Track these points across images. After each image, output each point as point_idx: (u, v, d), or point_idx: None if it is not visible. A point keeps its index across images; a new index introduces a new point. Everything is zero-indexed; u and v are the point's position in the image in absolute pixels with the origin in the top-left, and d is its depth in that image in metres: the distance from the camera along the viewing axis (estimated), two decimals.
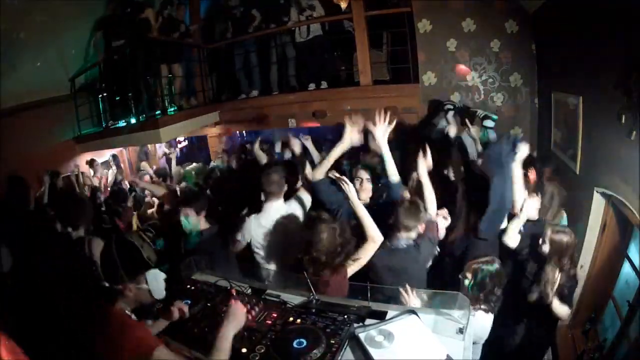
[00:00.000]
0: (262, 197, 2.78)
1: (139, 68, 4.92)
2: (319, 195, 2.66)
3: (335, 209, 2.59)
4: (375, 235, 2.21)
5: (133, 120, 5.12)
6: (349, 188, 2.29)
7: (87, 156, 5.40)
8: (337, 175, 2.36)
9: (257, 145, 4.13)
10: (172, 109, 5.58)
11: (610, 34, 2.51)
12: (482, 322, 2.12)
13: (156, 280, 1.62)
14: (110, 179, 5.46)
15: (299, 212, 2.76)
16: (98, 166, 5.40)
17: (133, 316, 1.60)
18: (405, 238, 2.34)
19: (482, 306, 2.13)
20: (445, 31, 4.65)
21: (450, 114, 4.18)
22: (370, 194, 2.82)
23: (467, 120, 3.79)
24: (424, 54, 4.79)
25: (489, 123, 3.95)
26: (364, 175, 2.82)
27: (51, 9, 4.34)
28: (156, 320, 1.86)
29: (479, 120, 4.04)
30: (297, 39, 5.46)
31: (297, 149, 3.96)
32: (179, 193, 3.95)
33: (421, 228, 2.37)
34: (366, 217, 2.23)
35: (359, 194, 2.75)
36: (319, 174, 2.59)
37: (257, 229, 2.71)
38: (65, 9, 4.60)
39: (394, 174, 2.55)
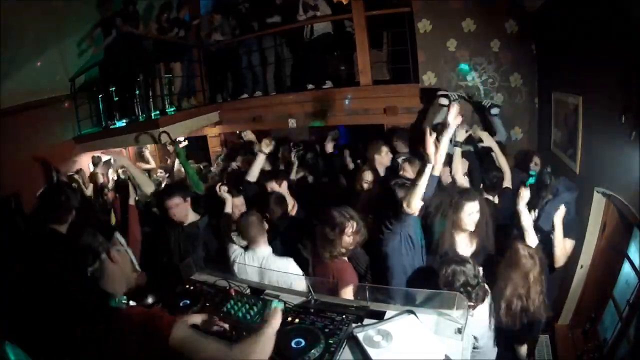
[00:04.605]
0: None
1: (136, 67, 4.92)
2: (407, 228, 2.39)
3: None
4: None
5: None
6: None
7: (87, 156, 5.39)
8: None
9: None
10: (172, 109, 5.58)
11: (610, 33, 2.50)
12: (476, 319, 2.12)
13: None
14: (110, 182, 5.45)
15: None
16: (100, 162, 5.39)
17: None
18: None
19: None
20: (445, 31, 4.63)
21: (445, 110, 3.98)
22: None
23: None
24: (424, 54, 4.77)
25: (495, 110, 4.02)
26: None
27: (52, 9, 4.35)
28: None
29: (486, 110, 4.08)
30: (305, 39, 5.45)
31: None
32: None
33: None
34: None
35: None
36: (415, 206, 2.23)
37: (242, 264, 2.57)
38: (66, 9, 4.60)
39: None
